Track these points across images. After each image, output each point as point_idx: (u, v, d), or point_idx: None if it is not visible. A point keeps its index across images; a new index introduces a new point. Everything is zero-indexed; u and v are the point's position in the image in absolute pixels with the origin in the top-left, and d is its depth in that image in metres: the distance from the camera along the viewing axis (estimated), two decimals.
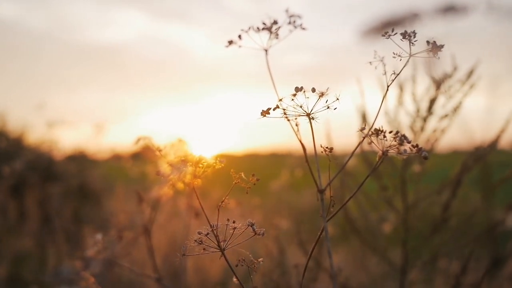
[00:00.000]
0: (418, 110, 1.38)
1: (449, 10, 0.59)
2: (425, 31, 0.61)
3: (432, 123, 1.37)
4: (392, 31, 0.72)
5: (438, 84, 1.28)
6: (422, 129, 1.38)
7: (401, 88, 1.41)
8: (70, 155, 4.69)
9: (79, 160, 4.68)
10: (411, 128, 1.41)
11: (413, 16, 0.58)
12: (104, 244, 0.57)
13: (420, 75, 1.36)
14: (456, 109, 1.30)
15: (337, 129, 1.54)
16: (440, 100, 1.34)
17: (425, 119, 1.37)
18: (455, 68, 1.28)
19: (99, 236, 0.59)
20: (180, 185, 0.59)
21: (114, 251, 0.55)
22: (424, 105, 1.37)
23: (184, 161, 0.59)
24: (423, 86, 1.36)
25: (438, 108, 1.35)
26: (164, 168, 0.57)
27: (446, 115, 1.32)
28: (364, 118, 1.48)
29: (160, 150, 0.59)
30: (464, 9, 0.60)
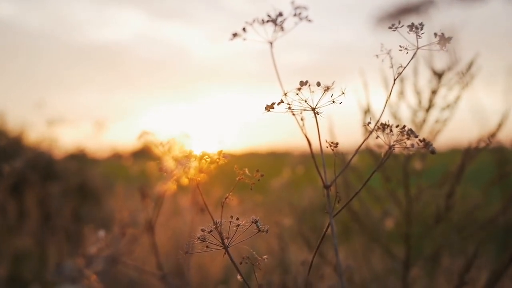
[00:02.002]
0: (419, 102, 1.37)
1: None
2: (442, 18, 0.59)
3: (434, 115, 1.36)
4: (399, 23, 0.70)
5: (439, 76, 1.27)
6: (424, 121, 1.37)
7: (401, 80, 1.40)
8: (70, 154, 4.67)
9: (79, 159, 4.67)
10: (413, 121, 1.40)
11: (429, 3, 0.57)
12: (107, 242, 0.56)
13: (421, 66, 1.35)
14: (456, 101, 1.29)
15: (339, 126, 1.53)
16: (441, 92, 1.33)
17: (427, 111, 1.36)
18: (456, 60, 1.27)
19: (101, 233, 0.58)
20: (184, 180, 0.57)
21: (117, 248, 0.54)
22: (426, 97, 1.36)
23: (188, 156, 0.58)
24: (424, 78, 1.35)
25: (439, 100, 1.34)
26: (168, 163, 0.56)
27: (447, 106, 1.31)
28: (367, 111, 1.47)
29: (163, 145, 0.57)
30: None
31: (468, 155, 1.28)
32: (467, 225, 1.41)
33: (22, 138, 4.58)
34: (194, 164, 0.57)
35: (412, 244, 1.45)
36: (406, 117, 1.43)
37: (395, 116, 1.44)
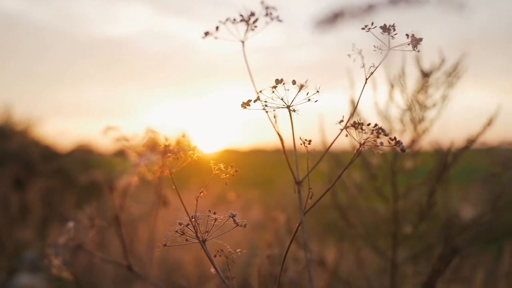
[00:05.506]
0: (406, 103, 1.37)
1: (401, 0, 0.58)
2: (379, 21, 0.60)
3: (419, 115, 1.37)
4: (371, 24, 0.71)
5: (426, 76, 1.27)
6: (411, 121, 1.38)
7: (391, 83, 1.41)
8: (75, 148, 4.72)
9: (83, 153, 4.71)
10: (401, 121, 1.40)
11: (366, 7, 0.58)
12: (76, 232, 0.58)
13: (409, 68, 1.36)
14: (443, 100, 1.30)
15: (335, 126, 1.53)
16: (427, 93, 1.33)
17: (412, 111, 1.37)
18: (442, 60, 1.28)
19: (70, 224, 0.60)
20: (148, 175, 0.59)
21: (85, 238, 0.56)
22: (412, 98, 1.36)
23: (153, 150, 0.60)
24: (413, 80, 1.36)
25: (425, 101, 1.34)
26: (133, 157, 0.57)
27: (433, 105, 1.32)
28: (354, 111, 1.48)
29: (127, 140, 0.59)
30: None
31: (448, 156, 1.29)
32: (453, 224, 1.41)
33: (27, 132, 4.63)
34: (157, 159, 0.58)
35: (399, 241, 1.46)
36: (395, 118, 1.44)
37: (383, 115, 1.44)
